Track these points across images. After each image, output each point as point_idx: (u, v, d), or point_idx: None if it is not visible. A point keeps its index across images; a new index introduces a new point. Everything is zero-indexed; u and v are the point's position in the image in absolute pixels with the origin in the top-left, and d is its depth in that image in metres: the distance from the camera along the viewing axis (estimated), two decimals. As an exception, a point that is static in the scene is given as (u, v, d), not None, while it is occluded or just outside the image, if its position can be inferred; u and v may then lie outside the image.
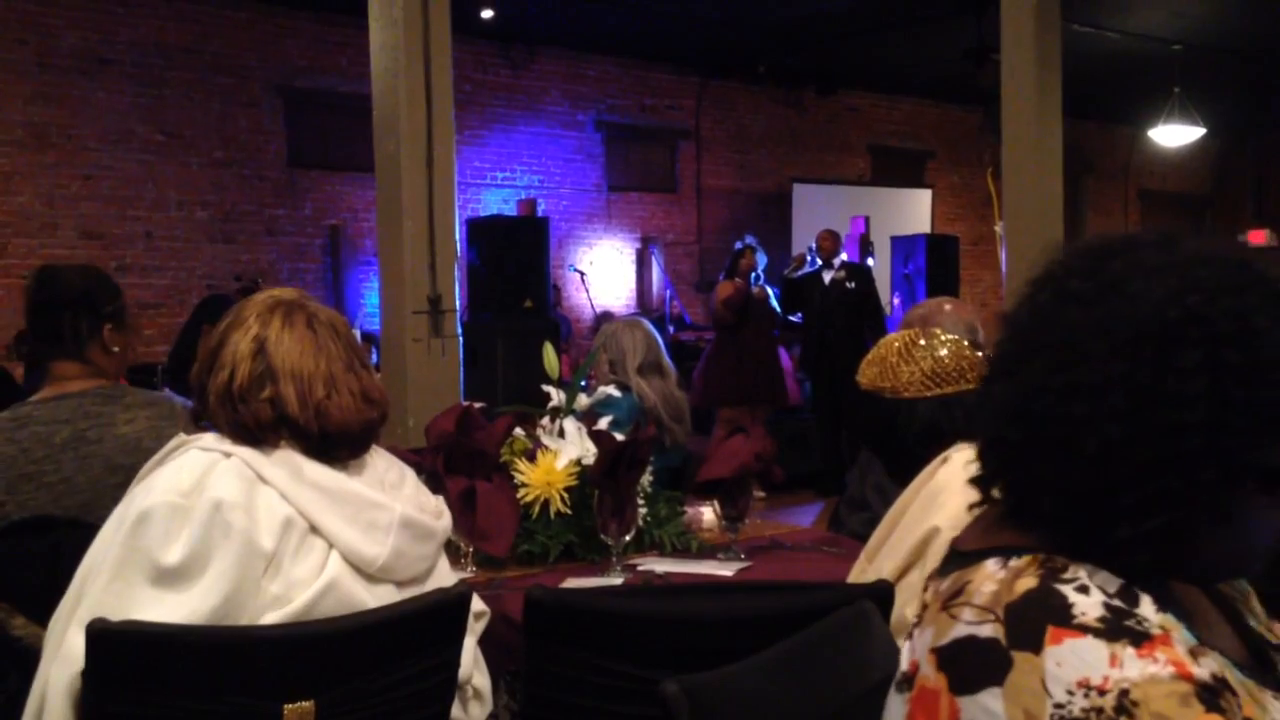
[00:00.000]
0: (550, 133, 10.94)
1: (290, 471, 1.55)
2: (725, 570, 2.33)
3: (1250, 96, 12.72)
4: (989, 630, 0.91)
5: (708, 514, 2.67)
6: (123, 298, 2.56)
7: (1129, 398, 0.91)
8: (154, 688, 1.41)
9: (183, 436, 1.62)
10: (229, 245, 9.23)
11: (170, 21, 8.91)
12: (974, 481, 1.06)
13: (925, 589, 1.04)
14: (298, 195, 9.57)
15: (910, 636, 1.01)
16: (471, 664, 1.70)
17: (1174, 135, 12.20)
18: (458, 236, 5.00)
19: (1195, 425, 0.89)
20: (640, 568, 2.34)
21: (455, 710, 1.66)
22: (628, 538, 2.31)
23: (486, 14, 9.13)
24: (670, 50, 11.05)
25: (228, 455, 1.55)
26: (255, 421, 1.56)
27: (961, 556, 1.01)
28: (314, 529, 1.54)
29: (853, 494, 2.87)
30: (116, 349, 2.48)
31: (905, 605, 1.70)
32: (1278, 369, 0.90)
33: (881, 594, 1.60)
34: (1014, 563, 0.95)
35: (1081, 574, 0.93)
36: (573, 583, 2.21)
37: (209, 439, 1.59)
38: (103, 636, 1.38)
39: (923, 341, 2.00)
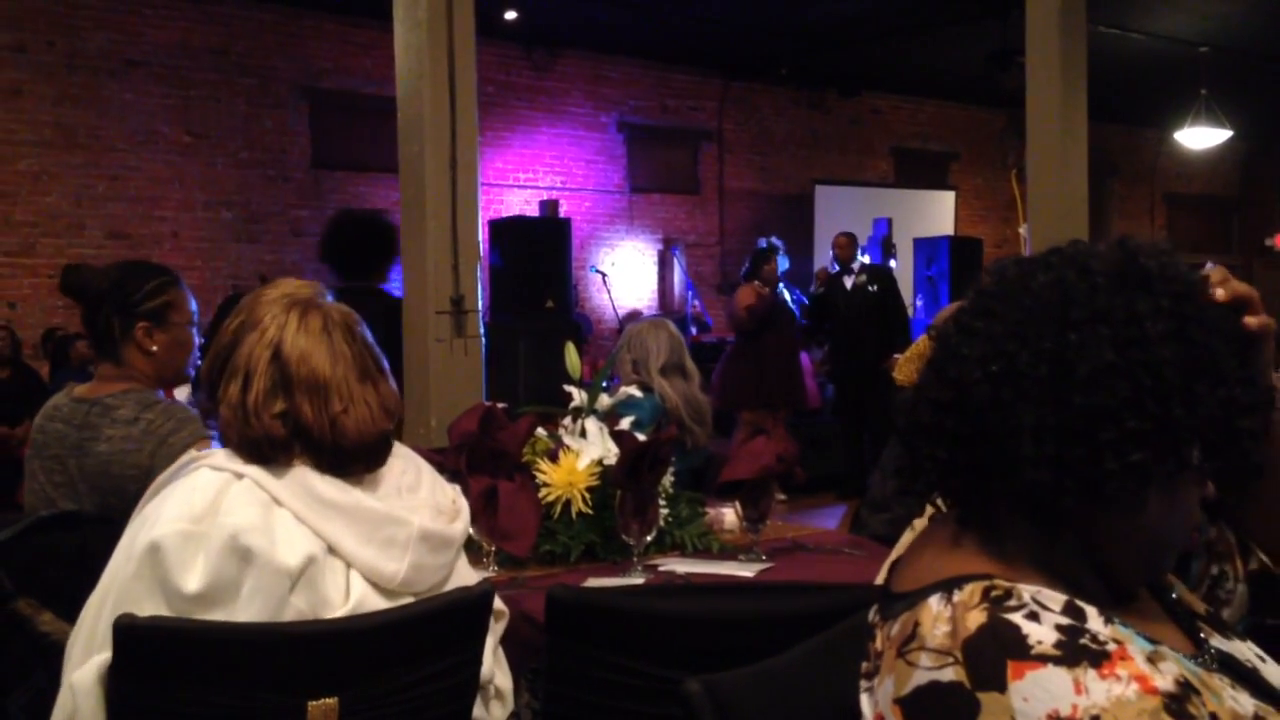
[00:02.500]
0: (573, 134, 10.96)
1: (304, 492, 1.52)
2: (747, 571, 2.33)
3: (1278, 98, 12.61)
4: (950, 674, 0.90)
5: (729, 515, 2.67)
6: (168, 293, 2.43)
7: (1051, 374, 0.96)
8: (180, 683, 1.42)
9: (192, 453, 1.58)
10: (254, 245, 9.30)
11: (196, 23, 8.98)
12: (900, 477, 1.08)
13: (873, 634, 1.03)
14: (322, 196, 9.63)
15: (870, 688, 1.00)
16: (492, 664, 1.70)
17: (1200, 138, 12.10)
18: (480, 237, 5.02)
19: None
20: (661, 568, 2.34)
21: (477, 709, 1.66)
22: (649, 538, 2.31)
23: (510, 16, 9.16)
24: (693, 52, 11.06)
25: (239, 476, 1.51)
26: (268, 439, 1.52)
27: (900, 597, 1.01)
28: (332, 550, 1.52)
29: (874, 496, 2.87)
30: (155, 349, 2.40)
31: None
32: (1156, 341, 0.94)
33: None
34: (958, 597, 0.95)
35: (1026, 596, 0.93)
36: (594, 582, 2.21)
37: (220, 456, 1.55)
38: (130, 632, 1.39)
39: None
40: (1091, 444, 0.93)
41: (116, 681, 1.42)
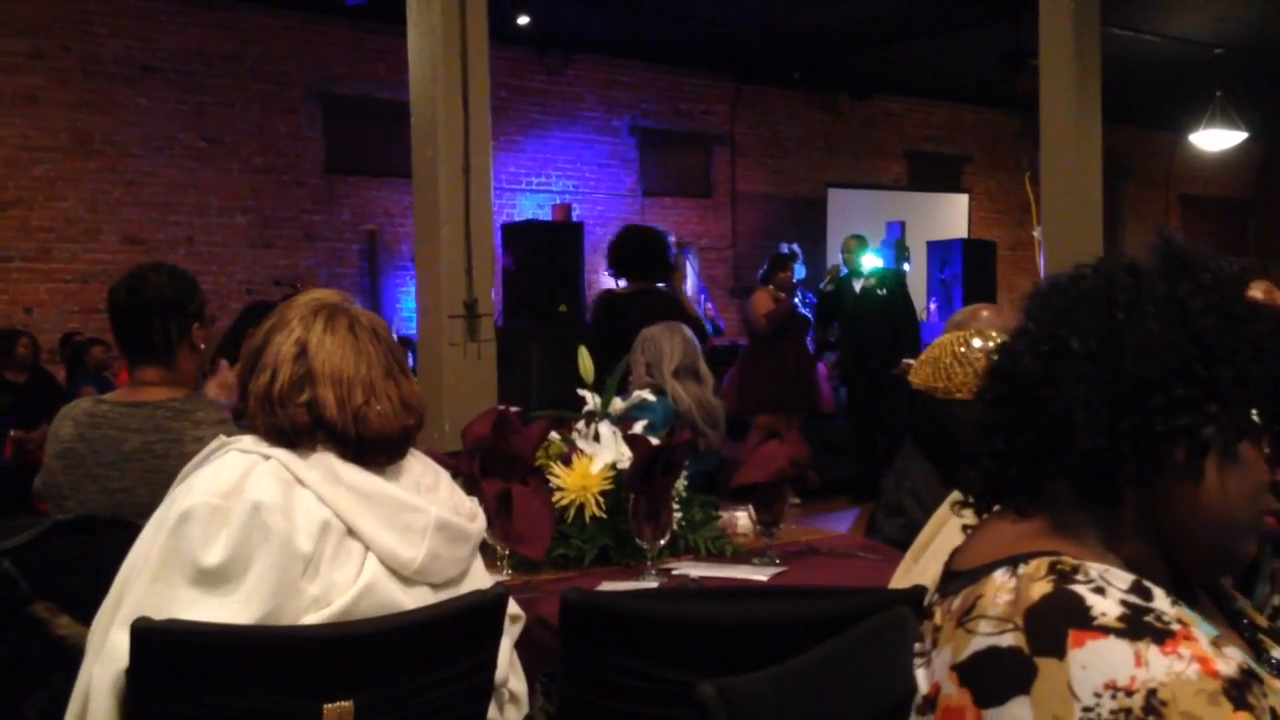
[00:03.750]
0: (585, 138, 10.98)
1: (327, 474, 1.56)
2: (760, 575, 2.33)
3: (1294, 100, 12.54)
4: (1010, 639, 0.91)
5: (742, 519, 2.67)
6: (200, 291, 2.56)
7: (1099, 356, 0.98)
8: (195, 686, 1.43)
9: (223, 438, 1.63)
10: (268, 250, 9.33)
11: (211, 29, 9.02)
12: (961, 488, 1.10)
13: (932, 613, 1.03)
14: (335, 201, 9.66)
15: (926, 661, 1.01)
16: (507, 667, 1.71)
17: (1215, 140, 12.04)
18: (494, 241, 5.03)
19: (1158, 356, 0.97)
20: (675, 572, 2.34)
21: (491, 712, 1.67)
22: (662, 542, 2.31)
23: (522, 20, 9.18)
24: (705, 56, 11.06)
25: (266, 458, 1.56)
26: (292, 425, 1.57)
27: (962, 575, 1.01)
28: (351, 532, 1.55)
29: (888, 500, 2.86)
30: (203, 345, 2.52)
31: None
32: (1198, 314, 0.97)
33: (918, 599, 1.59)
34: (1024, 570, 0.95)
35: (1093, 573, 0.93)
36: (608, 586, 2.21)
37: (248, 441, 1.60)
38: (146, 635, 1.40)
39: (977, 342, 2.00)
40: (1142, 411, 0.95)
41: (132, 684, 1.43)
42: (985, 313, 2.92)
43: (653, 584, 2.24)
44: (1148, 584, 0.93)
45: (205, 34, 9.00)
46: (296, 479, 1.54)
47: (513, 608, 1.73)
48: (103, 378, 7.46)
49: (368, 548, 1.55)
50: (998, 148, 13.41)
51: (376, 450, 1.61)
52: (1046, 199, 5.01)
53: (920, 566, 1.83)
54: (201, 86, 9.00)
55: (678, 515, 2.45)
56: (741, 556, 2.49)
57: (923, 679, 1.00)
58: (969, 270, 9.72)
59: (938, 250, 10.22)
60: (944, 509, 1.84)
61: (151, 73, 8.79)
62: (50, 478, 2.41)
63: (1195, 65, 10.61)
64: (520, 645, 1.78)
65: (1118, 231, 13.24)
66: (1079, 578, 0.92)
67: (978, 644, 0.92)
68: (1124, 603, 0.90)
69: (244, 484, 1.52)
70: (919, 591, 1.65)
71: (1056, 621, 0.89)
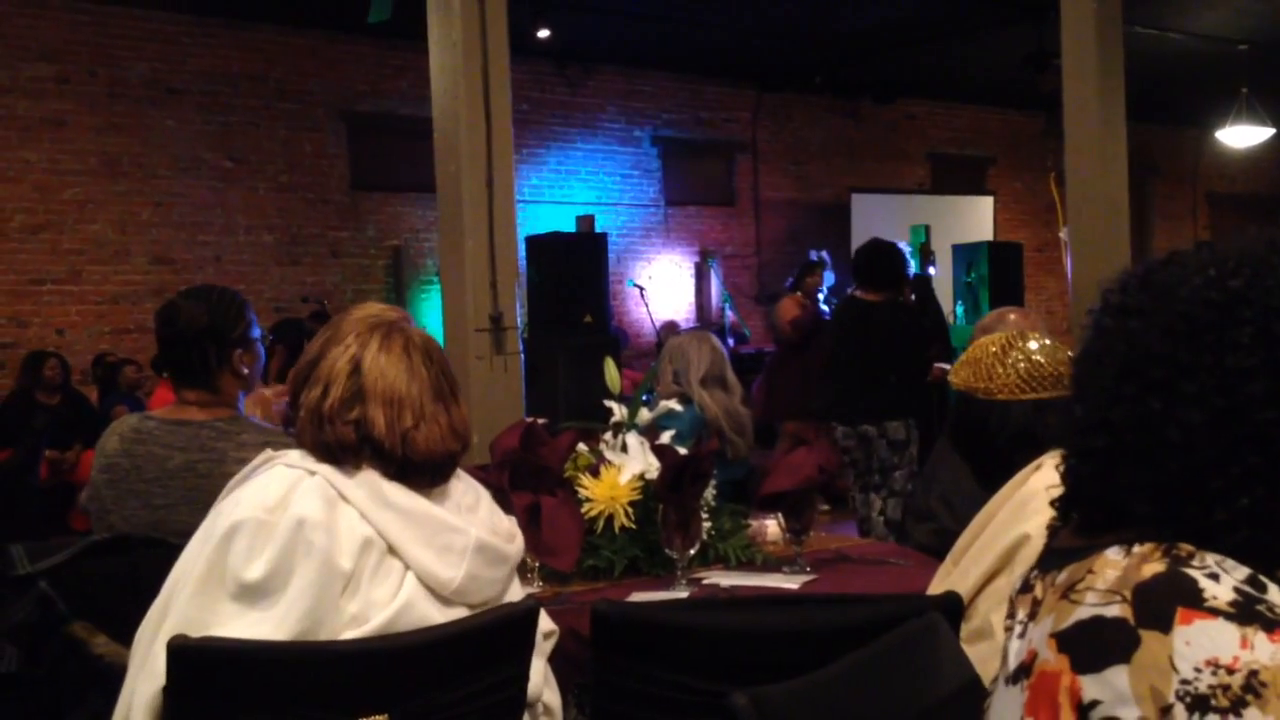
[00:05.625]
0: (607, 149, 11.00)
1: (371, 492, 1.57)
2: (791, 583, 2.32)
3: (1321, 94, 12.41)
4: (1116, 610, 0.91)
5: (772, 527, 2.66)
6: (246, 315, 2.55)
7: (1199, 383, 0.95)
8: (231, 701, 1.44)
9: (269, 452, 1.65)
10: (295, 267, 9.40)
11: (236, 50, 9.11)
12: (1055, 502, 1.08)
13: (1031, 587, 1.04)
14: (361, 217, 9.72)
15: (1020, 633, 1.01)
16: (542, 681, 1.72)
17: (1242, 136, 11.93)
18: (518, 254, 5.05)
19: (1262, 397, 0.93)
20: (705, 581, 2.34)
21: (525, 725, 1.68)
22: (692, 551, 2.31)
23: (543, 33, 9.22)
24: (725, 64, 11.06)
25: (311, 473, 1.57)
26: (339, 442, 1.58)
27: (1067, 551, 1.02)
28: (392, 550, 1.56)
29: (918, 506, 2.85)
30: (246, 370, 2.52)
31: (991, 611, 1.68)
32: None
33: (949, 605, 1.59)
34: (1138, 549, 0.95)
35: (1209, 561, 0.93)
36: (638, 597, 2.22)
37: (294, 455, 1.61)
38: (182, 652, 1.42)
39: (1019, 343, 1.99)
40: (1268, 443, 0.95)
41: (169, 700, 1.45)
42: (1013, 315, 2.92)
43: (683, 594, 2.23)
44: (1264, 579, 0.93)
45: (229, 55, 9.09)
46: (341, 495, 1.56)
47: (546, 623, 1.73)
48: (135, 397, 7.53)
49: (407, 566, 1.56)
50: (1022, 149, 13.33)
51: (421, 472, 1.61)
52: (1072, 199, 4.98)
53: (961, 569, 1.82)
54: (227, 107, 9.08)
55: (707, 524, 2.45)
56: (771, 565, 2.48)
57: (1014, 651, 1.01)
58: (995, 273, 9.64)
59: (963, 253, 10.15)
60: (984, 512, 1.83)
61: (177, 94, 8.89)
62: (95, 491, 2.45)
63: (1220, 62, 10.52)
64: (552, 657, 1.79)
65: (1145, 231, 13.14)
66: (1194, 563, 0.93)
67: (1081, 613, 0.93)
68: (1237, 590, 0.91)
69: (289, 499, 1.54)
70: (952, 597, 1.65)
71: (1166, 598, 0.90)
